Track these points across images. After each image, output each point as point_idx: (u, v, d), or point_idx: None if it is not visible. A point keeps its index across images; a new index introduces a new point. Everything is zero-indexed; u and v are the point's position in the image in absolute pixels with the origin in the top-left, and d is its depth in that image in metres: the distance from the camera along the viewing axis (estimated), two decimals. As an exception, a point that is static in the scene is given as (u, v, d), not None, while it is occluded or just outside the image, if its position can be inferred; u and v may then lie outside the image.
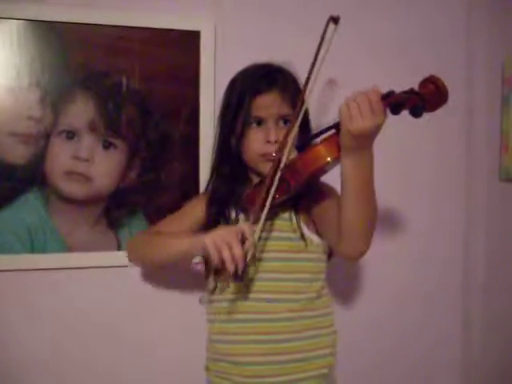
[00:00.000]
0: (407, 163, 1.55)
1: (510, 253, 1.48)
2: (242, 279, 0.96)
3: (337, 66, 1.44)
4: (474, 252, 1.60)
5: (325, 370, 1.13)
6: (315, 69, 1.01)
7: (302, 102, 1.02)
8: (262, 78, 1.09)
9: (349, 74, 1.44)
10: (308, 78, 1.01)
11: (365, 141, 0.89)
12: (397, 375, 1.59)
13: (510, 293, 1.48)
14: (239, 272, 0.92)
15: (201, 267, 1.21)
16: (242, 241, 0.93)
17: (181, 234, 1.09)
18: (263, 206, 0.97)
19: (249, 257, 0.94)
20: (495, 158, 1.49)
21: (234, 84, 1.14)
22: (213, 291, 1.14)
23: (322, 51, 1.01)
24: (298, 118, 1.01)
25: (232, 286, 1.10)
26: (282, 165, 0.99)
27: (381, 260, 1.53)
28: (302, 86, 1.07)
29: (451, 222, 1.61)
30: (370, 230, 0.98)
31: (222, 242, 0.91)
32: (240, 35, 1.39)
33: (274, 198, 0.99)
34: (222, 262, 0.91)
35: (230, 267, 0.90)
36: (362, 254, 1.00)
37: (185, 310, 1.38)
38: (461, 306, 1.63)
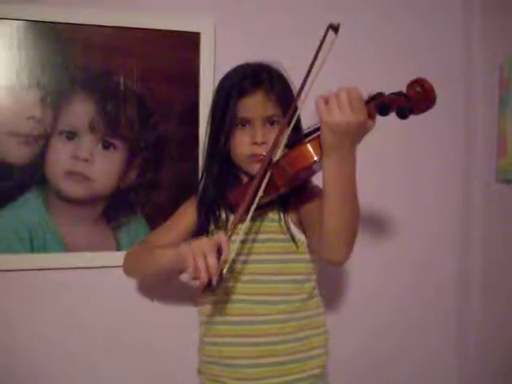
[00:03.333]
0: (405, 165, 1.56)
1: (508, 254, 1.48)
2: (214, 290, 0.95)
3: (336, 65, 1.46)
4: (471, 254, 1.60)
5: (318, 370, 1.13)
6: (310, 77, 0.99)
7: (295, 109, 1.00)
8: (248, 79, 1.07)
9: (348, 73, 1.44)
10: (302, 86, 0.99)
11: (344, 138, 0.86)
12: (394, 380, 1.60)
13: (507, 296, 1.48)
14: (213, 282, 0.91)
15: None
16: (219, 252, 0.92)
17: (167, 247, 1.09)
18: (249, 206, 0.97)
19: (226, 268, 0.94)
20: (492, 159, 1.50)
21: (221, 84, 1.14)
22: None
23: (320, 60, 0.99)
24: (289, 124, 1.00)
25: (224, 289, 1.10)
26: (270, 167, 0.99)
27: (378, 263, 1.54)
28: (295, 92, 1.06)
29: (448, 223, 1.62)
30: (350, 236, 0.95)
31: (198, 251, 0.91)
32: (240, 37, 1.39)
33: (260, 197, 0.99)
34: (197, 271, 0.90)
35: (204, 276, 0.90)
36: (343, 259, 0.97)
37: (178, 311, 1.39)
38: (458, 310, 1.64)
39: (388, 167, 1.51)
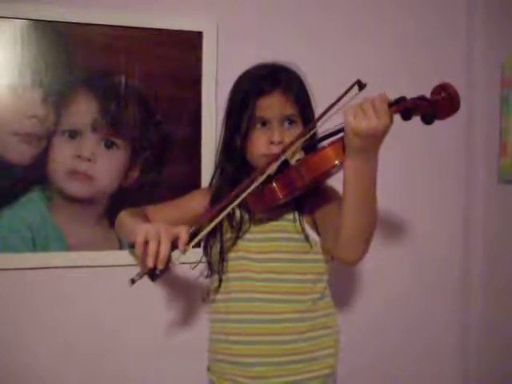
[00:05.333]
0: (406, 165, 1.56)
1: (509, 255, 1.48)
2: (155, 280, 0.91)
3: (336, 68, 1.47)
4: (472, 254, 1.60)
5: (328, 370, 1.13)
6: (323, 119, 1.00)
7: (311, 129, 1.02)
8: (266, 79, 1.08)
9: (350, 75, 1.45)
10: (314, 124, 1.01)
11: (368, 142, 0.88)
12: (395, 376, 1.60)
13: (507, 295, 1.48)
14: (156, 271, 0.89)
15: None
16: (174, 245, 0.90)
17: (140, 219, 1.07)
18: (236, 195, 0.97)
19: (173, 263, 0.91)
20: (494, 159, 1.50)
21: (238, 84, 1.14)
22: (216, 290, 1.15)
23: (336, 107, 0.99)
24: (308, 133, 1.01)
25: (237, 286, 1.11)
26: (280, 160, 1.00)
27: (380, 261, 1.54)
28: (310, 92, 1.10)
29: (450, 223, 1.62)
30: (367, 237, 0.97)
31: (154, 234, 0.88)
32: (242, 36, 1.40)
33: (277, 198, 1.01)
34: (144, 254, 0.88)
35: (149, 262, 0.87)
36: (358, 260, 0.99)
37: (187, 309, 1.39)
38: (459, 308, 1.64)
39: (388, 167, 1.49)
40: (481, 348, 1.59)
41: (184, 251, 0.91)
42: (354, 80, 1.01)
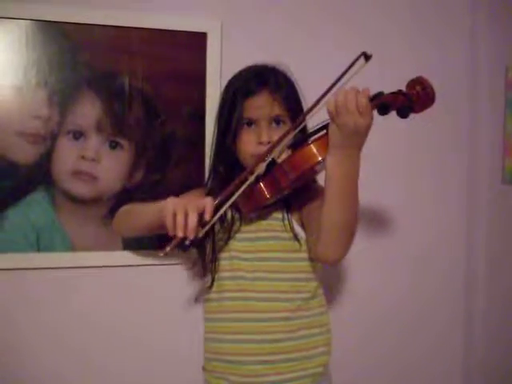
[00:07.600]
0: (410, 166, 1.56)
1: (512, 255, 1.49)
2: (186, 250, 0.94)
3: (339, 67, 1.46)
4: (476, 255, 1.60)
5: (320, 369, 1.15)
6: (329, 94, 1.00)
7: (303, 118, 1.02)
8: (253, 79, 1.10)
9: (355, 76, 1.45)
10: (318, 101, 1.00)
11: (351, 139, 0.89)
12: (398, 376, 1.60)
13: (511, 295, 1.48)
14: (187, 242, 0.91)
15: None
16: (201, 215, 0.92)
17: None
18: (232, 191, 0.98)
19: (202, 232, 0.95)
20: (498, 160, 1.50)
21: (228, 85, 1.16)
22: (209, 290, 1.16)
23: (343, 80, 0.99)
24: (295, 129, 1.02)
25: (229, 285, 1.12)
26: (267, 160, 1.01)
27: (383, 262, 1.55)
28: (300, 93, 1.10)
29: (453, 224, 1.62)
30: (348, 236, 0.97)
31: (181, 207, 0.91)
32: (246, 37, 1.40)
33: (265, 198, 1.02)
34: (174, 226, 0.91)
35: (179, 233, 0.90)
36: (337, 258, 0.99)
37: (186, 310, 1.39)
38: (462, 308, 1.64)
39: (393, 167, 1.51)
40: (485, 348, 1.58)
41: (210, 221, 0.94)
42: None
